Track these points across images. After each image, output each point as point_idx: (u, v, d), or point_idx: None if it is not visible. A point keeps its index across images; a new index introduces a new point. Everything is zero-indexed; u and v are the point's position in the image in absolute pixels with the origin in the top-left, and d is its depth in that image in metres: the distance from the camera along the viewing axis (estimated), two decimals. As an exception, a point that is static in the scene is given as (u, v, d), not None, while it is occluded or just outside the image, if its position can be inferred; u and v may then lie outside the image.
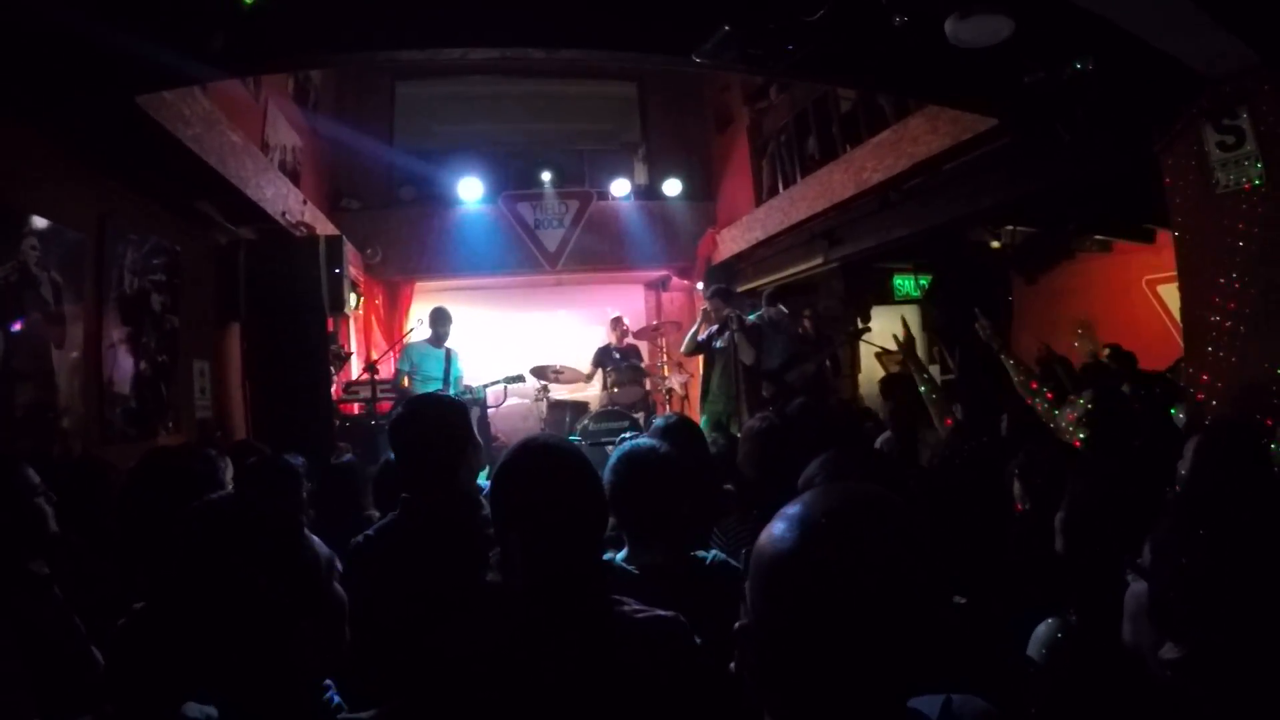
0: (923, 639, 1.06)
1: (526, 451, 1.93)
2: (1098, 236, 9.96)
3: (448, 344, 8.71)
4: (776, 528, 1.11)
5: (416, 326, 9.09)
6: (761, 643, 1.10)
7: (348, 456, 4.77)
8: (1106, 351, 7.90)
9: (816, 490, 1.15)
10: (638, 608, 1.83)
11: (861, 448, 3.05)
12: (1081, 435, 3.79)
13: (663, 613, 1.83)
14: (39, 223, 4.60)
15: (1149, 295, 9.93)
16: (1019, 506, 3.03)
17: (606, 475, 2.65)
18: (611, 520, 2.42)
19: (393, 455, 3.18)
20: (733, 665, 1.16)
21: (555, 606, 1.77)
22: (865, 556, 1.04)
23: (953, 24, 3.99)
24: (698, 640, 1.82)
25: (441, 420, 2.76)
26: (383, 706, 1.60)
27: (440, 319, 8.71)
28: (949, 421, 4.49)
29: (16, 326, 4.38)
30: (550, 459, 1.90)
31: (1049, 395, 4.36)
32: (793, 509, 1.12)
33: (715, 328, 8.01)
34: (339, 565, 1.63)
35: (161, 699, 1.59)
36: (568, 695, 1.67)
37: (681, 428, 3.81)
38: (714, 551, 2.66)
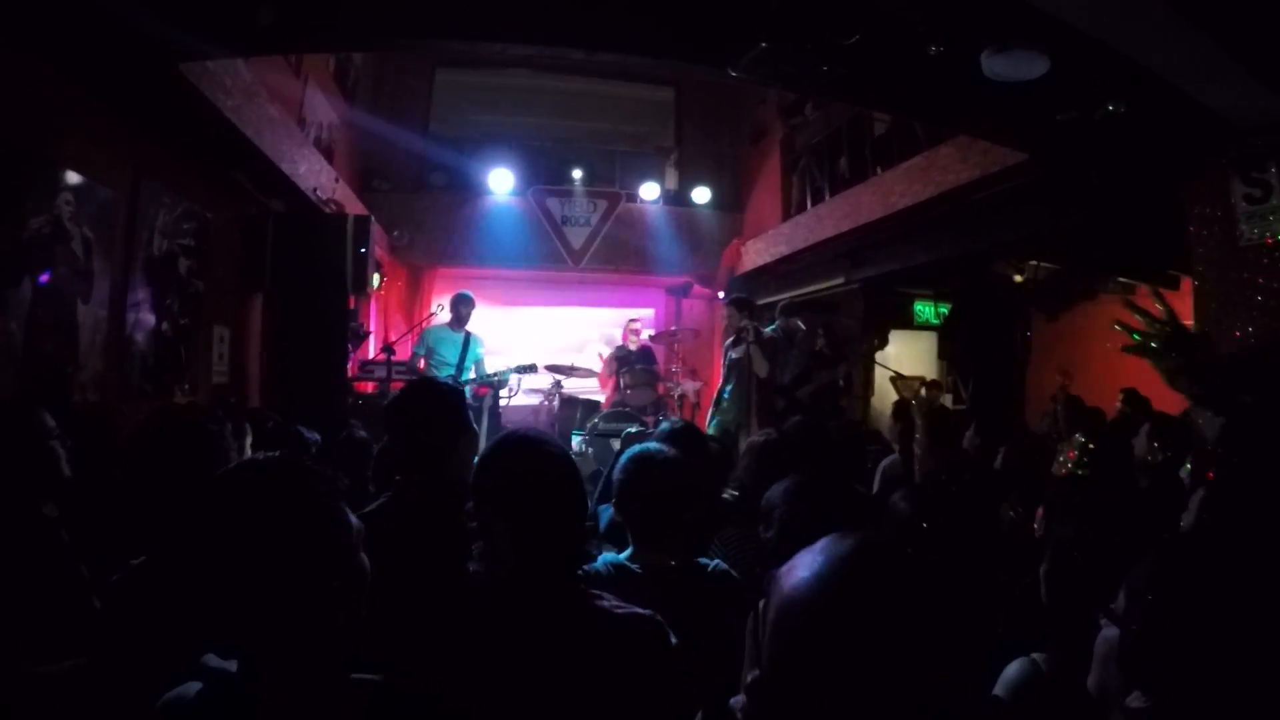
0: (939, 692, 1.05)
1: (507, 445, 1.95)
2: (1121, 279, 9.92)
3: (468, 328, 8.74)
4: (798, 578, 1.10)
5: (438, 312, 9.15)
6: (779, 695, 1.09)
7: (360, 434, 4.80)
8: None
9: (833, 540, 1.13)
10: (617, 604, 1.84)
11: (830, 474, 3.05)
12: (1080, 472, 3.79)
13: (641, 611, 1.84)
14: (74, 178, 4.66)
15: (1169, 341, 9.85)
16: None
17: (616, 474, 2.68)
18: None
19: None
20: (740, 716, 1.16)
21: (538, 598, 1.79)
22: (889, 613, 1.04)
23: (988, 58, 4.02)
24: (674, 640, 1.84)
25: (435, 406, 2.72)
26: (391, 674, 1.62)
27: (462, 301, 8.71)
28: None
29: (45, 278, 4.45)
30: (532, 452, 1.91)
31: None
32: (813, 560, 1.10)
33: (732, 338, 8.02)
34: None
35: (163, 653, 1.62)
36: (545, 685, 1.69)
37: (686, 434, 3.84)
38: (716, 560, 2.70)
